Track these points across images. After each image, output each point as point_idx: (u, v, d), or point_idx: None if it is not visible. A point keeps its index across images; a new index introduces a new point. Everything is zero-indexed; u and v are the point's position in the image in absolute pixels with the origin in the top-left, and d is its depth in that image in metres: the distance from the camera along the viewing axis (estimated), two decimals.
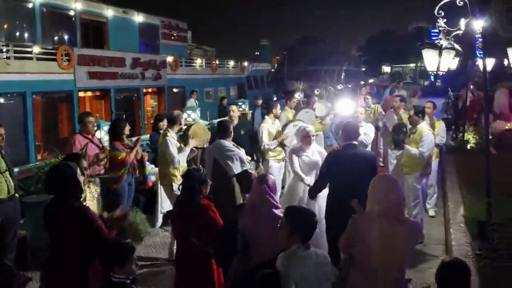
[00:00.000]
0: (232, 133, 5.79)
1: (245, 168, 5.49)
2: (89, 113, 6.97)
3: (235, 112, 8.04)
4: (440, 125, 7.60)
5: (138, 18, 18.56)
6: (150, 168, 7.70)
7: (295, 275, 2.97)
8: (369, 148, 7.06)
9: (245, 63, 29.01)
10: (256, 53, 45.35)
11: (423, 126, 6.30)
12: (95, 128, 8.04)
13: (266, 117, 7.88)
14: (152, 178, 7.50)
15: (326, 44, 48.08)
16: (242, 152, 5.69)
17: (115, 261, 3.15)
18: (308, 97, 12.90)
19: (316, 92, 17.69)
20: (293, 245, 3.07)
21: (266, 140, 7.35)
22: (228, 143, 5.57)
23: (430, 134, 6.23)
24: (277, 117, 7.94)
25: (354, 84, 30.07)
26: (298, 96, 14.56)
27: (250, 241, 3.69)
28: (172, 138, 6.12)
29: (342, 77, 41.36)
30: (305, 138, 5.91)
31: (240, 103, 17.59)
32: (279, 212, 3.77)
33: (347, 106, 8.20)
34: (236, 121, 7.90)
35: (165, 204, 7.02)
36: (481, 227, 5.64)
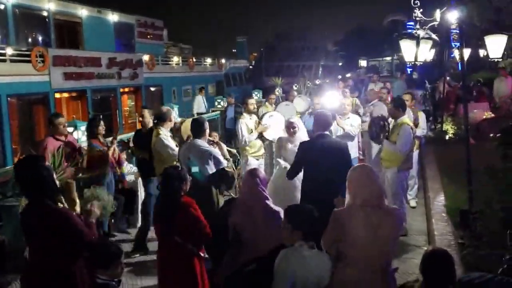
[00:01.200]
0: (207, 131, 5.57)
1: (220, 167, 5.37)
2: (58, 114, 6.70)
3: (146, 118, 6.84)
4: (421, 116, 7.62)
5: (113, 17, 18.27)
6: (129, 167, 7.59)
7: (295, 273, 2.94)
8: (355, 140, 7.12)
9: (223, 60, 28.90)
10: (233, 50, 45.21)
11: (403, 119, 6.24)
12: (71, 129, 7.92)
13: (244, 113, 7.76)
14: (131, 177, 7.39)
15: (303, 40, 48.30)
16: (216, 150, 5.56)
17: (99, 263, 3.05)
18: (286, 92, 12.91)
19: (294, 87, 17.70)
20: (296, 243, 3.05)
21: (246, 134, 7.26)
22: (202, 142, 5.35)
23: (408, 129, 6.10)
24: (252, 112, 7.73)
25: (332, 78, 30.26)
26: (277, 92, 14.55)
27: (243, 237, 3.66)
28: (165, 135, 5.98)
29: (320, 72, 41.59)
30: (288, 129, 5.97)
31: (218, 100, 17.57)
32: (271, 203, 3.76)
33: (332, 99, 8.16)
34: (150, 125, 6.82)
35: None
36: (463, 216, 5.69)
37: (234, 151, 9.07)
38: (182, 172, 3.99)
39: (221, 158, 5.44)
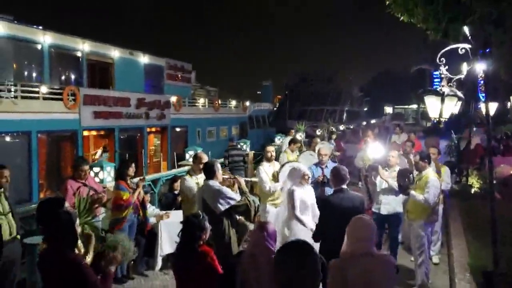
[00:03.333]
0: (218, 172, 5.67)
1: (232, 203, 5.45)
2: (83, 160, 6.89)
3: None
4: (445, 171, 7.53)
5: (144, 59, 18.97)
6: (152, 209, 7.65)
7: None
8: None
9: (247, 103, 29.35)
10: (258, 92, 45.93)
11: (429, 172, 6.24)
12: (98, 169, 8.10)
13: (263, 161, 7.76)
14: (152, 220, 7.44)
15: (328, 84, 48.67)
16: (226, 188, 5.64)
17: None
18: (310, 137, 12.95)
19: (317, 132, 17.70)
20: None
21: (269, 182, 7.22)
22: (213, 182, 5.52)
23: (436, 181, 6.16)
24: (270, 160, 7.71)
25: (356, 124, 30.24)
26: (299, 137, 14.60)
27: None
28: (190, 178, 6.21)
29: (344, 117, 41.64)
30: (303, 177, 6.00)
31: (241, 143, 17.73)
32: None
33: (377, 149, 8.05)
34: None
35: (165, 247, 6.95)
36: (487, 278, 5.51)
37: (253, 197, 9.06)
38: (202, 221, 4.02)
39: (232, 194, 5.52)
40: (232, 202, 5.45)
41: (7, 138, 11.73)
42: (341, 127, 26.34)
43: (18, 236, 5.54)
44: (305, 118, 36.36)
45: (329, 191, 6.89)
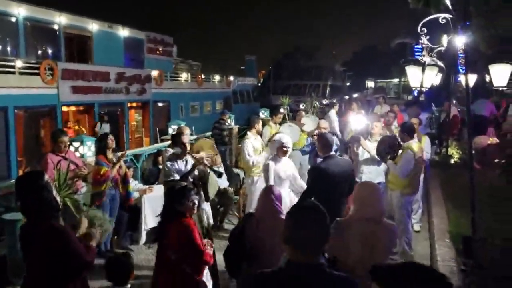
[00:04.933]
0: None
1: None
2: (62, 132, 6.76)
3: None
4: (425, 140, 7.61)
5: (123, 32, 18.53)
6: (134, 184, 7.59)
7: None
8: None
9: (231, 78, 29.10)
10: (242, 67, 45.54)
11: (409, 144, 6.20)
12: (77, 144, 7.97)
13: (249, 132, 7.78)
14: (135, 194, 7.39)
15: (311, 59, 48.51)
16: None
17: (117, 281, 3.25)
18: (295, 112, 12.95)
19: (301, 106, 17.72)
20: None
21: (254, 156, 7.23)
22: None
23: (409, 154, 6.06)
24: (259, 133, 7.88)
25: (339, 98, 30.32)
26: (284, 110, 14.57)
27: (260, 251, 3.69)
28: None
29: (327, 91, 41.70)
30: (280, 149, 5.95)
31: (227, 117, 17.62)
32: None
33: (359, 120, 8.05)
34: None
35: (149, 221, 6.95)
36: (466, 243, 5.65)
37: (237, 170, 9.08)
38: (183, 190, 4.02)
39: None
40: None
41: None
42: (324, 101, 26.36)
43: None
44: (289, 93, 36.28)
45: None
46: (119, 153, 6.89)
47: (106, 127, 15.28)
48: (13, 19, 13.43)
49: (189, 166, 6.03)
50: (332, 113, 11.79)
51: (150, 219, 6.95)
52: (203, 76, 24.93)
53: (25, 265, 3.46)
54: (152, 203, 6.98)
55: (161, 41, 21.80)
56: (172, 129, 12.30)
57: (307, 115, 10.16)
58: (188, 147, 6.56)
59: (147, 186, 7.51)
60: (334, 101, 21.91)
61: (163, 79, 19.90)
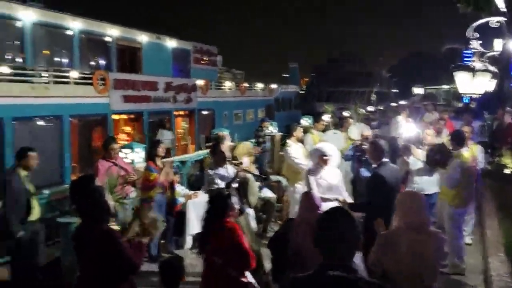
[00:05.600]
0: None
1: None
2: (113, 139, 7.07)
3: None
4: (478, 149, 7.30)
5: (171, 43, 19.07)
6: (180, 189, 7.77)
7: None
8: None
9: (274, 85, 29.20)
10: (285, 75, 45.59)
11: (459, 152, 5.99)
12: (128, 151, 8.27)
13: (289, 140, 7.78)
14: (181, 200, 7.56)
15: (356, 66, 47.85)
16: None
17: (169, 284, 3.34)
18: (341, 119, 12.76)
19: (346, 114, 17.50)
20: None
21: (301, 160, 7.16)
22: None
23: (455, 164, 5.86)
24: (299, 140, 7.83)
25: (385, 105, 29.72)
26: (328, 118, 14.47)
27: (302, 257, 3.72)
28: None
29: (373, 98, 40.94)
30: (321, 158, 5.91)
31: (268, 125, 17.70)
32: None
33: (410, 129, 7.89)
34: None
35: (193, 226, 7.07)
36: None
37: (280, 178, 9.08)
38: (227, 197, 4.09)
39: None
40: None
41: (41, 122, 12.07)
42: (369, 108, 25.93)
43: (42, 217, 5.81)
44: (333, 100, 35.98)
45: (363, 171, 6.86)
46: (167, 160, 7.11)
47: (168, 134, 15.87)
48: (69, 32, 14.13)
49: (230, 173, 6.11)
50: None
51: (195, 224, 7.06)
52: (246, 85, 25.18)
53: (78, 266, 3.63)
54: (197, 209, 7.09)
55: (206, 51, 22.25)
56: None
57: (354, 123, 10.04)
58: (229, 154, 6.66)
59: (192, 192, 7.66)
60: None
61: (208, 88, 20.27)
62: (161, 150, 6.78)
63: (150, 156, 6.76)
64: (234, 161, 6.28)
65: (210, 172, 6.11)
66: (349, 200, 5.64)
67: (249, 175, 6.61)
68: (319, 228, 2.47)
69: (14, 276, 5.51)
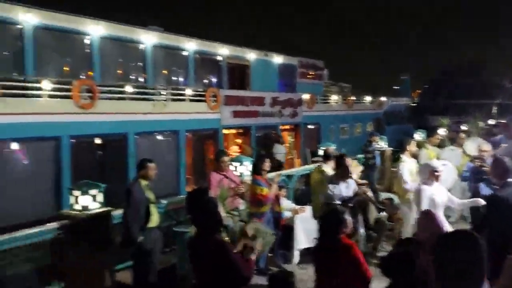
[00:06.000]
0: None
1: None
2: (224, 152, 7.34)
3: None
4: None
5: (278, 59, 19.49)
6: (287, 204, 7.79)
7: None
8: None
9: (383, 98, 28.25)
10: (395, 87, 43.87)
11: None
12: (237, 164, 8.53)
13: (402, 156, 7.42)
14: (288, 214, 7.57)
15: (474, 76, 44.35)
16: None
17: None
18: (458, 132, 11.86)
19: (463, 128, 16.26)
20: None
21: (409, 182, 6.86)
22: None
23: None
24: (413, 155, 7.44)
25: (509, 119, 27.07)
26: (443, 132, 13.56)
27: (427, 278, 3.53)
28: (329, 172, 6.30)
29: (495, 111, 37.52)
30: (432, 173, 5.52)
31: (378, 139, 17.09)
32: None
33: None
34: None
35: (301, 241, 7.02)
36: None
37: (391, 195, 8.69)
38: (342, 214, 3.96)
39: None
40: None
41: (160, 137, 13.06)
42: (491, 122, 23.79)
43: (159, 225, 6.19)
44: (448, 113, 33.71)
45: (483, 188, 6.32)
46: (274, 173, 7.17)
47: (281, 148, 16.26)
48: (185, 53, 15.19)
49: (350, 189, 5.96)
50: None
51: (302, 239, 7.02)
52: (353, 98, 24.70)
53: (193, 274, 3.80)
54: (304, 223, 7.06)
55: (312, 66, 22.34)
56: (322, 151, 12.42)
57: (470, 138, 9.29)
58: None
59: (299, 206, 7.63)
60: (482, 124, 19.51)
61: (314, 102, 20.27)
62: (267, 165, 6.85)
63: (256, 170, 6.84)
64: (359, 180, 6.15)
65: (331, 186, 6.02)
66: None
67: (370, 194, 6.45)
68: (440, 255, 2.28)
69: (135, 280, 5.93)
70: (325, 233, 3.90)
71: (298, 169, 11.47)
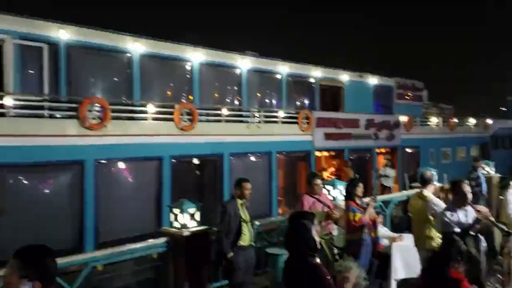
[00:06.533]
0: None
1: None
2: (316, 174, 7.31)
3: None
4: None
5: (373, 80, 19.03)
6: (384, 231, 7.46)
7: None
8: None
9: (489, 121, 26.18)
10: (503, 108, 40.47)
11: None
12: (330, 187, 8.37)
13: None
14: (385, 241, 7.23)
15: None
16: None
17: None
18: None
19: None
20: None
21: None
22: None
23: None
24: None
25: None
26: None
27: None
28: (433, 198, 6.01)
29: None
30: None
31: (484, 165, 15.82)
32: None
33: None
34: None
35: (399, 271, 6.65)
36: None
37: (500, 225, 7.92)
38: (459, 245, 3.68)
39: None
40: None
41: (253, 158, 13.31)
42: None
43: (253, 244, 6.20)
44: None
45: None
46: (369, 198, 6.92)
47: (391, 172, 15.90)
48: (278, 76, 15.46)
49: (469, 217, 5.54)
50: None
51: (399, 268, 6.65)
52: (455, 120, 23.21)
53: None
54: (402, 252, 6.70)
55: (411, 87, 21.47)
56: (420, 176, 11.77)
57: None
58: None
59: (397, 235, 7.28)
60: None
61: (412, 124, 19.39)
62: (359, 190, 6.68)
63: (350, 195, 6.67)
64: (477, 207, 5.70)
65: (448, 214, 5.65)
66: None
67: (492, 218, 5.94)
68: None
69: None
70: (435, 264, 3.63)
71: (396, 195, 10.97)
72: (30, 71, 10.00)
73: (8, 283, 2.29)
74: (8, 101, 8.70)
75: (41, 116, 9.22)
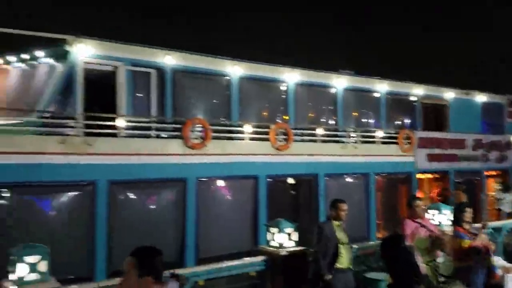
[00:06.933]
0: None
1: None
2: (416, 197, 6.96)
3: None
4: None
5: (481, 98, 17.72)
6: (497, 259, 6.82)
7: None
8: None
9: None
10: None
11: None
12: (435, 212, 7.88)
13: None
14: (499, 271, 6.59)
15: None
16: None
17: None
18: None
19: None
20: None
21: None
22: None
23: None
24: None
25: None
26: None
27: None
28: None
29: None
30: None
31: None
32: None
33: None
34: None
35: None
36: None
37: None
38: None
39: None
40: None
41: (349, 179, 13.00)
42: None
43: (351, 267, 6.00)
44: None
45: None
46: (479, 224, 6.43)
47: (507, 197, 14.86)
48: (376, 95, 14.98)
49: None
50: None
51: None
52: None
53: None
54: None
55: None
56: None
57: None
58: None
59: (511, 265, 6.62)
60: None
61: None
62: (468, 215, 6.22)
63: (458, 221, 6.24)
64: None
65: None
66: None
67: None
68: None
69: None
70: None
71: (509, 221, 10.01)
72: (139, 94, 10.82)
73: (128, 272, 3.26)
74: (121, 122, 9.48)
75: (148, 136, 9.90)
